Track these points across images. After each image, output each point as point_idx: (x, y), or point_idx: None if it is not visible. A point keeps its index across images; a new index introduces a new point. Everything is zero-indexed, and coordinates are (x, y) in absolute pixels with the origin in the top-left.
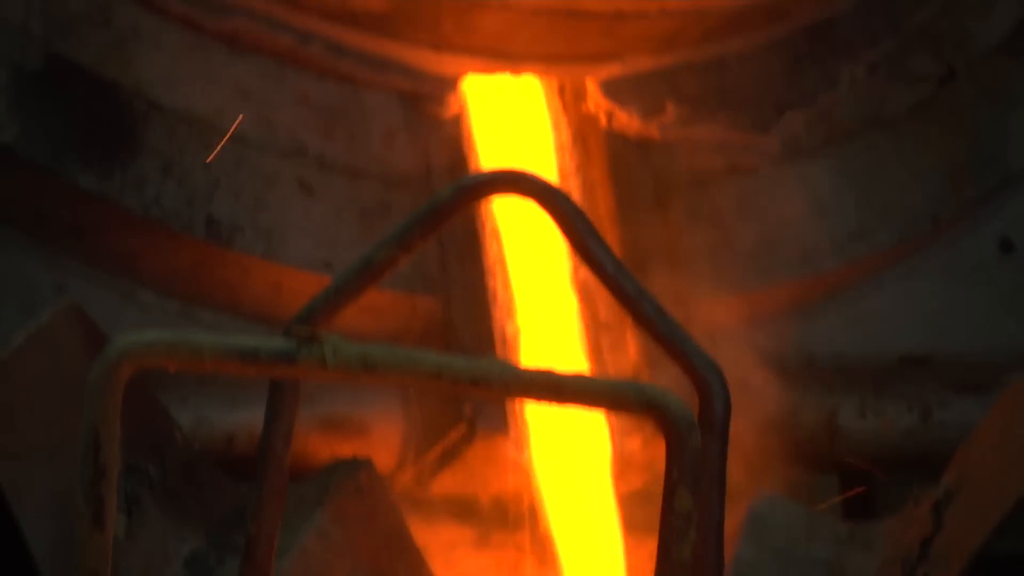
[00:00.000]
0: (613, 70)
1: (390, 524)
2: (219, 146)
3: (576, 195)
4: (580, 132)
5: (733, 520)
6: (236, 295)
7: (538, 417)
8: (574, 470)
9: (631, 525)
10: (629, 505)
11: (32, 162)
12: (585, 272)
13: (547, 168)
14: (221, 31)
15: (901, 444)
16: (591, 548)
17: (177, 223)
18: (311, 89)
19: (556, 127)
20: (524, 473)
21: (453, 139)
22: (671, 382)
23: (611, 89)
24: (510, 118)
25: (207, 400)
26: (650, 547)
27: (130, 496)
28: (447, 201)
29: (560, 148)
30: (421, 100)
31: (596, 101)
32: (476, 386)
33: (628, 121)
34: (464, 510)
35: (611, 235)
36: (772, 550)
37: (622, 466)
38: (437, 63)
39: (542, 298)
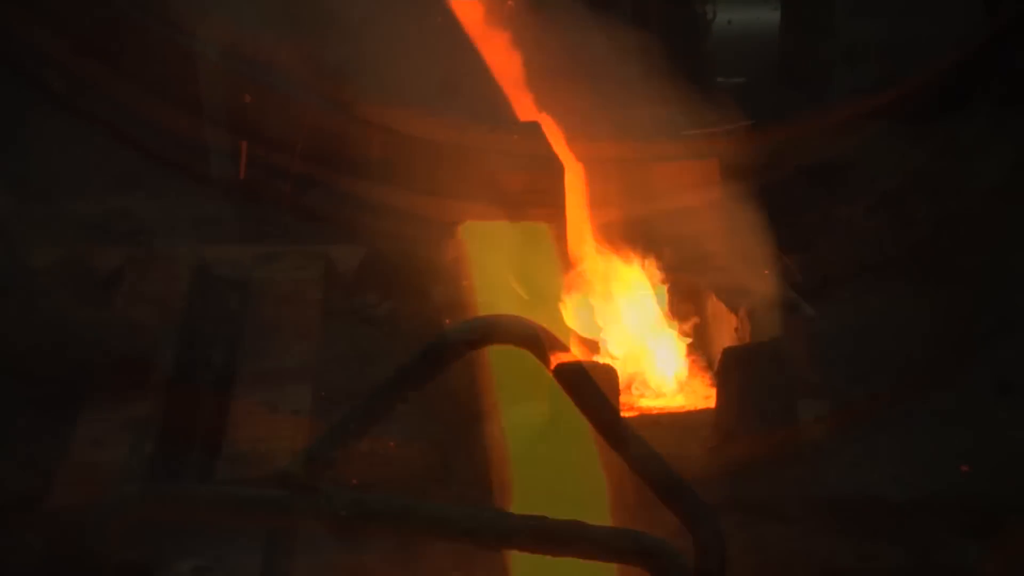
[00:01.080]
0: (612, 215)
1: None
2: None
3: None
4: (579, 275)
5: None
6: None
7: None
8: None
9: None
10: None
11: None
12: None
13: (548, 313)
14: None
15: None
16: None
17: None
18: None
19: (556, 271)
20: None
21: (451, 284)
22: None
23: (610, 233)
24: (508, 263)
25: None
26: None
27: None
28: (443, 348)
29: (560, 290)
30: (419, 246)
31: (595, 245)
32: (471, 536)
33: (628, 264)
34: None
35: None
36: None
37: None
38: (435, 209)
39: (540, 443)
